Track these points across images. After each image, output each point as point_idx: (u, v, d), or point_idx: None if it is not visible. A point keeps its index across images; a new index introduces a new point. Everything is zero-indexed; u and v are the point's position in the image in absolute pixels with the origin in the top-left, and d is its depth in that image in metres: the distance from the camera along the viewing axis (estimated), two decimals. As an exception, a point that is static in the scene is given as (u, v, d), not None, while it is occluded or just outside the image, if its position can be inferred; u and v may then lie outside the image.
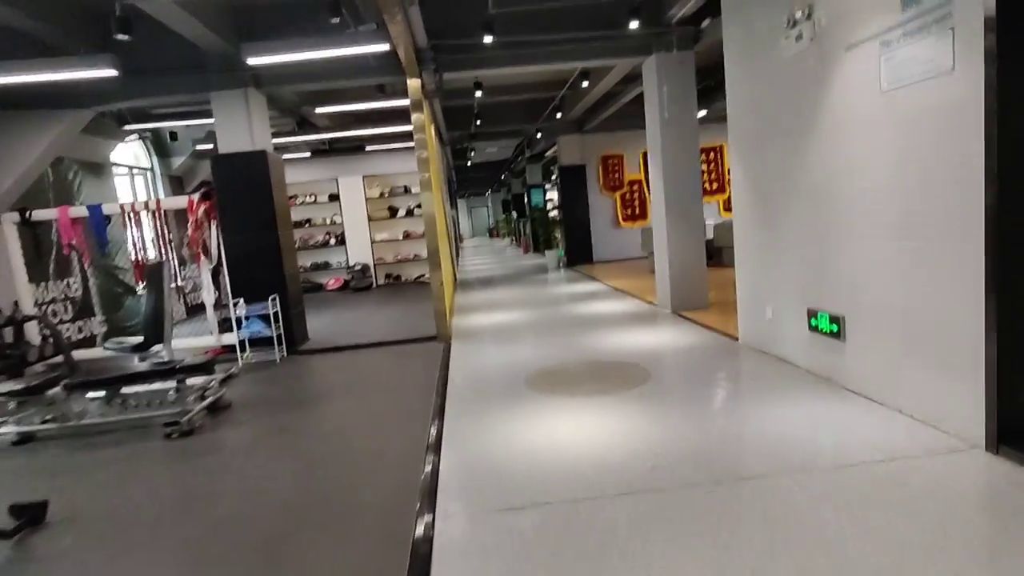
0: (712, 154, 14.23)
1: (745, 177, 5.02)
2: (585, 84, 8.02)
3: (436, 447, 3.58)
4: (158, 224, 6.41)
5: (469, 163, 18.58)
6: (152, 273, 5.31)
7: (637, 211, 14.17)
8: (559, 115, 10.23)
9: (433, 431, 3.85)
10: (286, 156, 12.31)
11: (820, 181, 3.98)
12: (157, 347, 5.39)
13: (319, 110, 7.87)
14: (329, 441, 3.93)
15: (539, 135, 12.37)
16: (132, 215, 6.26)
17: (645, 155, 14.49)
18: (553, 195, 15.20)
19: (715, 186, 14.31)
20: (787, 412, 3.61)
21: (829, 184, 3.90)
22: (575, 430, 3.63)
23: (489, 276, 13.57)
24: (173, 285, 7.94)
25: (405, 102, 7.59)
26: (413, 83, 6.48)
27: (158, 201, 6.44)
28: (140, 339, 5.31)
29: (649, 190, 14.05)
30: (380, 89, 7.11)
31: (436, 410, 4.29)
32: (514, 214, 26.86)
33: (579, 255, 13.84)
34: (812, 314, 4.16)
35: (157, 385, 4.79)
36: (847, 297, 3.82)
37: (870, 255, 3.56)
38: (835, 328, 3.92)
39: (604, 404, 4.05)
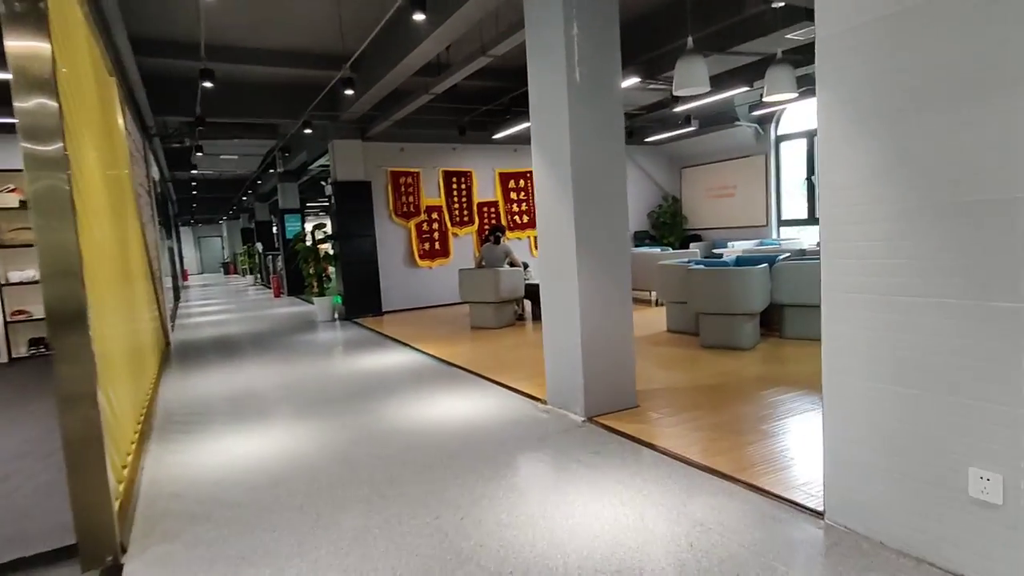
0: (519, 181, 11.91)
1: (901, 176, 2.21)
2: (419, 18, 4.61)
3: None
4: None
5: (195, 173, 13.48)
6: None
7: (437, 245, 11.04)
8: (350, 92, 6.63)
9: None
10: None
11: None
12: None
13: None
14: None
15: (308, 131, 8.53)
16: None
17: (447, 175, 11.56)
18: (316, 224, 11.26)
19: (526, 218, 12.01)
20: None
21: None
22: None
23: (228, 335, 9.00)
24: None
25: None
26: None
27: None
28: None
29: (487, 213, 11.07)
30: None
31: None
32: (259, 246, 21.63)
33: (363, 303, 10.11)
34: None
35: None
36: None
37: None
38: None
39: None
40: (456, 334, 7.89)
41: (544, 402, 4.46)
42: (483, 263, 8.43)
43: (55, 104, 2.40)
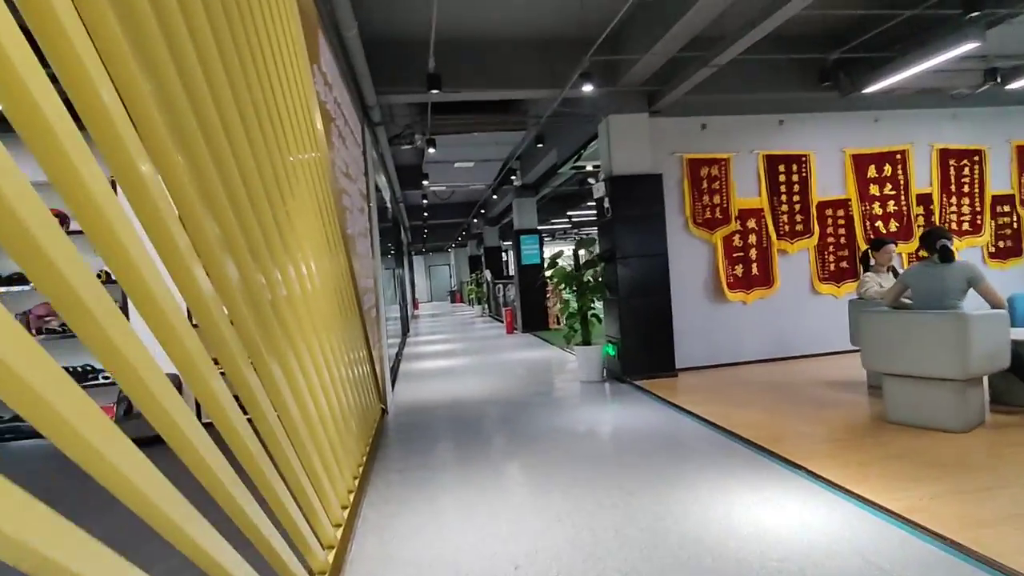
0: (896, 160, 7.61)
1: None
2: None
3: None
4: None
5: (427, 186, 11.56)
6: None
7: (755, 269, 7.23)
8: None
9: None
10: None
11: None
12: None
13: None
14: None
15: (587, 87, 5.49)
16: None
17: (771, 161, 6.78)
18: (580, 239, 8.11)
19: (895, 225, 7.67)
20: None
21: None
22: None
23: (464, 400, 6.23)
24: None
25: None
26: None
27: None
28: None
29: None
30: None
31: None
32: (487, 274, 19.87)
33: (646, 356, 6.68)
34: None
35: None
36: None
37: None
38: None
39: None
40: (881, 439, 4.00)
41: None
42: (907, 296, 4.45)
43: None
